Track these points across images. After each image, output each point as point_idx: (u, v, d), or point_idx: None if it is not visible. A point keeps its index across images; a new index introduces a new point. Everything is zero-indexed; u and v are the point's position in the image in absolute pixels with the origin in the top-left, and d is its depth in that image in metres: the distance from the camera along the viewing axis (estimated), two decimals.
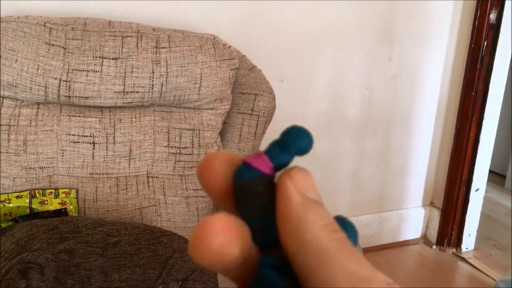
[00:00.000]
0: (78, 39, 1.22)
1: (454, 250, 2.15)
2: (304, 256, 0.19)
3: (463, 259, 2.09)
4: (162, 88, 1.27)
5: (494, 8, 1.87)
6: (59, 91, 1.20)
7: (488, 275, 1.97)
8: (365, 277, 0.18)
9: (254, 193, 0.21)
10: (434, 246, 2.18)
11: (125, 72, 1.24)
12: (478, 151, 2.01)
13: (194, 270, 0.97)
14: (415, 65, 1.98)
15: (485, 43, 1.90)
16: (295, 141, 0.21)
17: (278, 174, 0.21)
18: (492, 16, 1.88)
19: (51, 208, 1.17)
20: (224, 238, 0.18)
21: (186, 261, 0.98)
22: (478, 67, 1.92)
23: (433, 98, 2.07)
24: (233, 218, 0.19)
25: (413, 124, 2.07)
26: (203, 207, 1.33)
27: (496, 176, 3.01)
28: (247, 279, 0.21)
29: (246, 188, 0.21)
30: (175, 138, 1.32)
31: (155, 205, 1.29)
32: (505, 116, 2.80)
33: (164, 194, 1.30)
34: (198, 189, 1.33)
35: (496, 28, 1.89)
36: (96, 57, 1.22)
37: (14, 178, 1.20)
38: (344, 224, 0.21)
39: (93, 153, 1.26)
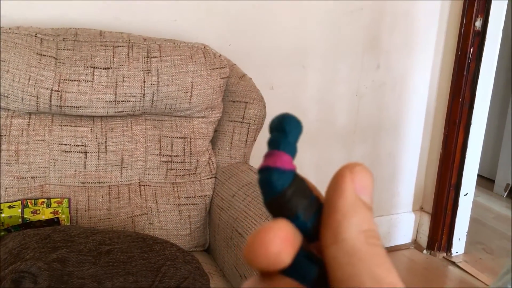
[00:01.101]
0: (69, 49, 1.23)
1: (445, 254, 2.17)
2: (337, 252, 0.19)
3: (454, 263, 2.12)
4: (153, 97, 1.28)
5: (479, 16, 1.91)
6: (50, 101, 1.21)
7: (478, 279, 1.99)
8: (392, 284, 0.18)
9: (301, 194, 0.20)
10: (424, 251, 2.20)
11: (116, 82, 1.25)
12: (466, 156, 2.04)
13: (187, 278, 0.98)
14: (403, 72, 2.01)
15: (471, 50, 1.93)
16: (298, 128, 0.21)
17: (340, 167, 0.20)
18: (478, 23, 1.91)
19: (43, 217, 1.17)
20: (282, 247, 0.19)
21: (178, 269, 0.98)
22: (464, 73, 1.95)
23: (421, 105, 2.10)
24: (290, 226, 0.19)
25: (402, 130, 2.09)
26: (195, 215, 1.34)
27: (484, 181, 3.04)
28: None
29: (295, 192, 0.20)
30: (167, 147, 1.34)
31: (147, 213, 1.30)
32: (493, 121, 2.84)
33: (156, 202, 1.31)
34: (189, 197, 1.34)
35: (481, 35, 1.92)
36: (87, 67, 1.23)
37: (6, 188, 1.21)
38: None
39: (85, 162, 1.27)
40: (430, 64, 2.05)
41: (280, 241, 0.19)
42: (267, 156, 0.20)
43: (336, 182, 0.20)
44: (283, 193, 0.20)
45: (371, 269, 0.19)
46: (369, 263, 0.19)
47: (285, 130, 0.20)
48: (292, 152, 0.20)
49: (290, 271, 0.20)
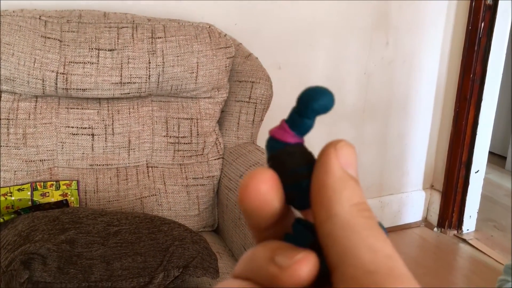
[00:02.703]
0: (74, 31, 1.22)
1: (455, 232, 2.16)
2: (331, 227, 0.19)
3: (464, 241, 2.11)
4: (159, 78, 1.27)
5: None
6: (56, 84, 1.21)
7: (489, 256, 1.99)
8: (389, 255, 0.18)
9: (279, 163, 0.22)
10: (435, 229, 2.19)
11: (121, 63, 1.24)
12: (478, 133, 2.02)
13: (195, 257, 0.98)
14: (413, 48, 1.97)
15: (482, 24, 1.89)
16: (310, 104, 0.22)
17: (324, 144, 0.21)
18: None
19: (53, 200, 1.18)
20: (270, 185, 0.21)
21: (186, 249, 0.99)
22: (475, 49, 1.92)
23: (431, 82, 2.07)
24: (274, 174, 0.21)
25: (412, 108, 2.07)
26: (203, 196, 1.34)
27: (496, 158, 3.01)
28: (279, 239, 0.22)
29: (274, 159, 0.22)
30: (174, 128, 1.33)
31: (155, 195, 1.30)
32: (504, 97, 2.80)
33: (164, 183, 1.31)
34: (197, 178, 1.34)
35: (492, 9, 1.88)
36: (92, 48, 1.22)
37: (15, 171, 1.21)
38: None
39: (92, 144, 1.27)
40: (440, 39, 2.02)
41: (268, 180, 0.20)
42: (279, 125, 0.23)
43: (322, 159, 0.21)
44: (269, 158, 0.22)
45: (367, 241, 0.19)
46: (364, 235, 0.19)
47: (298, 106, 0.22)
48: (296, 126, 0.22)
49: (287, 237, 0.21)
